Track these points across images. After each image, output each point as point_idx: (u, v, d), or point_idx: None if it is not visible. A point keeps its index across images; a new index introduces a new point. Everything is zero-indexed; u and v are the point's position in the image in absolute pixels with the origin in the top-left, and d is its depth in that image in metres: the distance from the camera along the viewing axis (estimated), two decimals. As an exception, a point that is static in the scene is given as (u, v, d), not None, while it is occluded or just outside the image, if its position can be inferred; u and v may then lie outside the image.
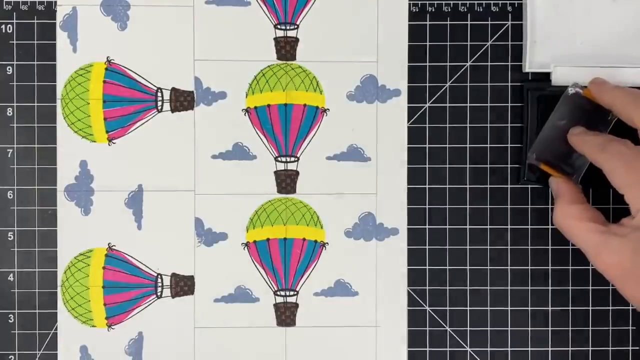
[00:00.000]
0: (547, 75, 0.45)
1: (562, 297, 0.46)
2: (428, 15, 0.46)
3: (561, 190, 0.42)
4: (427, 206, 0.46)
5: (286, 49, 0.46)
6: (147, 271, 0.46)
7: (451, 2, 0.46)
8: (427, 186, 0.46)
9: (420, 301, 0.46)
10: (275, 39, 0.46)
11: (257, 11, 0.46)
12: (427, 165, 0.46)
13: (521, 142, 0.46)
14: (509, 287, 0.46)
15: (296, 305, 0.46)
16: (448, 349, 0.46)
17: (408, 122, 0.46)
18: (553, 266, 0.46)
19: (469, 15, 0.46)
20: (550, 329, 0.46)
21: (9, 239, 0.46)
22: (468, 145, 0.46)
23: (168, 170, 0.46)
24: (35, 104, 0.46)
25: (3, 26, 0.46)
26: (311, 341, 0.46)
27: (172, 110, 0.46)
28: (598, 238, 0.38)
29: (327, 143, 0.46)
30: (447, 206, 0.46)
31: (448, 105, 0.46)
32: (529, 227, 0.46)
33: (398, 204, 0.46)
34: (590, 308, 0.46)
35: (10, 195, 0.46)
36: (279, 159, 0.46)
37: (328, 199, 0.46)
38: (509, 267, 0.46)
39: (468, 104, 0.46)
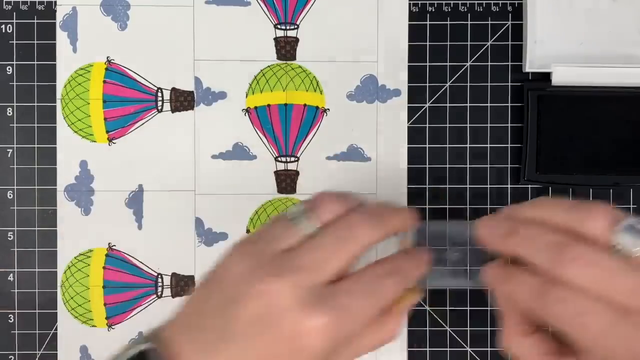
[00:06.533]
0: (547, 75, 0.45)
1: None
2: (428, 15, 0.46)
3: (509, 317, 0.35)
4: (427, 206, 0.46)
5: (286, 49, 0.46)
6: (148, 271, 0.46)
7: (451, 2, 0.46)
8: (427, 186, 0.46)
9: (421, 301, 0.46)
10: (275, 39, 0.46)
11: (257, 11, 0.46)
12: (427, 165, 0.46)
13: (521, 142, 0.46)
14: (509, 287, 0.46)
15: (296, 305, 0.46)
16: (448, 349, 0.46)
17: (408, 122, 0.46)
18: (553, 266, 0.46)
19: (469, 15, 0.46)
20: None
21: (9, 239, 0.46)
22: (468, 145, 0.46)
23: (168, 170, 0.46)
24: (35, 104, 0.46)
25: (3, 26, 0.46)
26: (311, 341, 0.46)
27: (172, 110, 0.46)
28: None
29: (327, 143, 0.46)
30: (447, 206, 0.46)
31: (448, 105, 0.46)
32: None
33: (398, 204, 0.46)
34: (590, 308, 0.46)
35: (10, 195, 0.46)
36: (279, 159, 0.46)
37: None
38: (509, 267, 0.46)
39: (468, 104, 0.46)
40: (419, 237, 0.38)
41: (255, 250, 0.33)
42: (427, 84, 0.46)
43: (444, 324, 0.46)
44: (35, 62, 0.46)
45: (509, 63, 0.46)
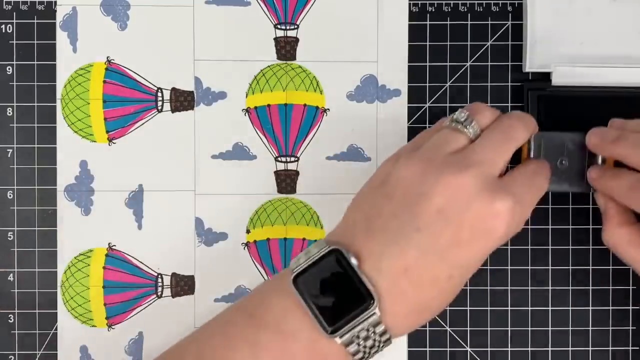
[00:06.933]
0: (547, 75, 0.45)
1: (563, 297, 0.46)
2: (428, 15, 0.46)
3: (610, 210, 0.40)
4: (427, 206, 0.46)
5: (286, 49, 0.46)
6: (147, 271, 0.46)
7: (451, 2, 0.46)
8: (427, 186, 0.46)
9: (420, 301, 0.46)
10: (275, 39, 0.46)
11: (257, 11, 0.46)
12: (427, 165, 0.46)
13: (521, 142, 0.46)
14: (509, 287, 0.46)
15: (296, 305, 0.46)
16: (448, 349, 0.46)
17: (408, 122, 0.46)
18: (553, 266, 0.46)
19: (469, 15, 0.46)
20: (550, 329, 0.46)
21: (9, 239, 0.46)
22: (468, 145, 0.46)
23: (168, 170, 0.46)
24: (35, 104, 0.46)
25: (3, 26, 0.46)
26: (311, 341, 0.46)
27: (172, 110, 0.46)
28: None
29: (327, 143, 0.46)
30: (447, 206, 0.46)
31: (448, 105, 0.46)
32: (529, 227, 0.46)
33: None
34: (591, 308, 0.46)
35: (10, 195, 0.46)
36: (279, 159, 0.46)
37: (329, 198, 0.46)
38: (509, 267, 0.46)
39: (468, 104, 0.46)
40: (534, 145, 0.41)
41: (427, 154, 0.36)
42: (427, 84, 0.46)
43: (443, 324, 0.46)
44: (35, 62, 0.46)
45: (509, 63, 0.46)
